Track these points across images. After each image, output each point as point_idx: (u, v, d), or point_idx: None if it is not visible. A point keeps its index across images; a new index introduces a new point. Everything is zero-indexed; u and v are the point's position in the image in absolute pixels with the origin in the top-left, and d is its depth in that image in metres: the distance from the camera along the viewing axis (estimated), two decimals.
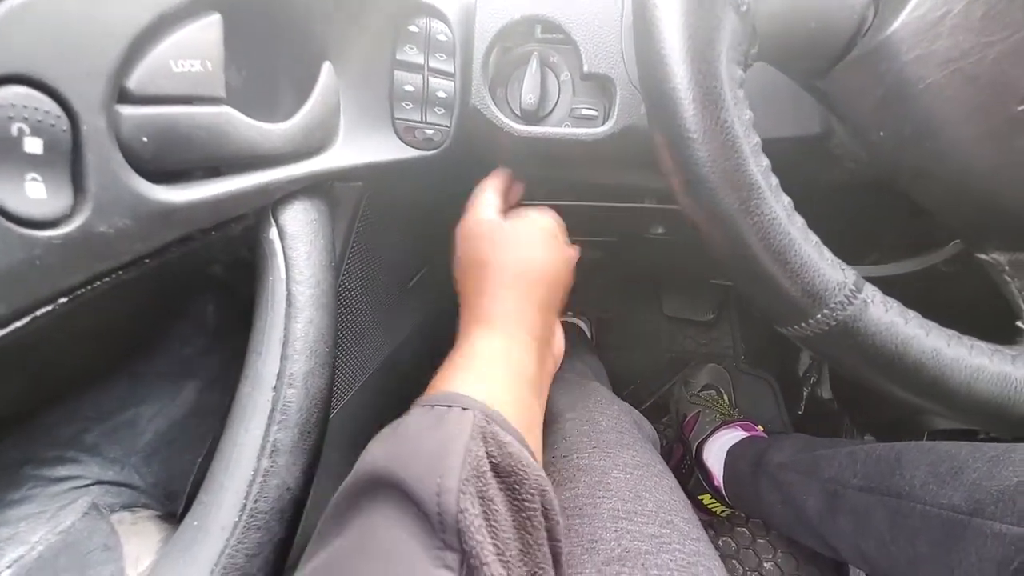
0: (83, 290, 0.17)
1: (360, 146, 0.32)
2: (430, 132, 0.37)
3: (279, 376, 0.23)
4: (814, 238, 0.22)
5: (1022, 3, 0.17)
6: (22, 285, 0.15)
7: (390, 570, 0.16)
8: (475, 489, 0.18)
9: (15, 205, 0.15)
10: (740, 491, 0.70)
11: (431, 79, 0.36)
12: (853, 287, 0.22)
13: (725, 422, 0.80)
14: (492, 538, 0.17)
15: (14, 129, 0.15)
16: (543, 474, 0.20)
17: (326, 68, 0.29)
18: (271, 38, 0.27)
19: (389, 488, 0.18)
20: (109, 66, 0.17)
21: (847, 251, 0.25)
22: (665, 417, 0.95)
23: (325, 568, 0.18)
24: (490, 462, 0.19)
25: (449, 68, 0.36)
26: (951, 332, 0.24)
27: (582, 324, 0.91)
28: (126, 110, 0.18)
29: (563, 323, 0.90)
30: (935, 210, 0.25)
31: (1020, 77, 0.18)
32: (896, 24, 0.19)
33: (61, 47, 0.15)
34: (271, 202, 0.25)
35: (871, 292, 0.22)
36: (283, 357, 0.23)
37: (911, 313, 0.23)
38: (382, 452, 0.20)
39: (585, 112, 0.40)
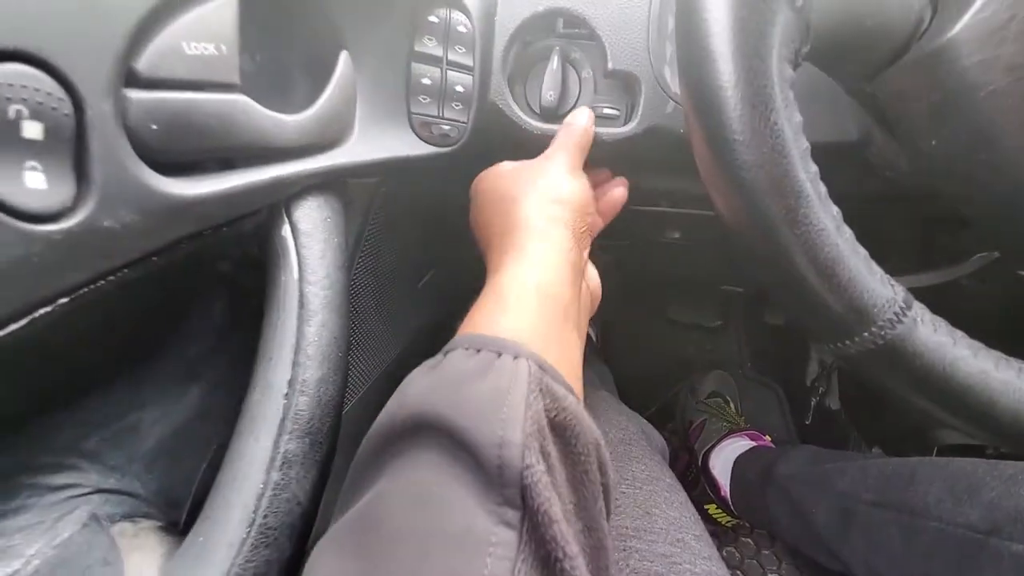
0: (85, 289, 0.16)
1: (375, 141, 0.31)
2: (447, 128, 0.36)
3: (290, 383, 0.21)
4: (863, 252, 0.20)
5: None
6: (20, 284, 0.14)
7: (442, 523, 0.15)
8: (537, 444, 0.16)
9: (12, 196, 0.13)
10: (747, 502, 0.69)
11: (449, 72, 0.35)
12: (903, 304, 0.21)
13: (732, 431, 0.78)
14: (557, 495, 0.16)
15: (11, 111, 0.13)
16: (596, 428, 0.19)
17: (344, 58, 0.27)
18: (287, 23, 0.26)
19: (437, 432, 0.17)
20: (117, 45, 0.16)
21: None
22: (670, 423, 0.94)
23: (365, 517, 0.16)
24: (547, 417, 0.18)
25: (468, 61, 0.35)
26: (998, 354, 0.22)
27: (588, 328, 0.90)
28: (135, 94, 0.17)
29: None
30: (981, 222, 0.23)
31: None
32: (959, 26, 0.18)
33: (65, 23, 0.14)
34: (284, 198, 0.24)
35: (920, 310, 0.21)
36: (295, 363, 0.22)
37: (959, 333, 0.22)
38: (424, 392, 0.18)
39: (607, 111, 0.38)
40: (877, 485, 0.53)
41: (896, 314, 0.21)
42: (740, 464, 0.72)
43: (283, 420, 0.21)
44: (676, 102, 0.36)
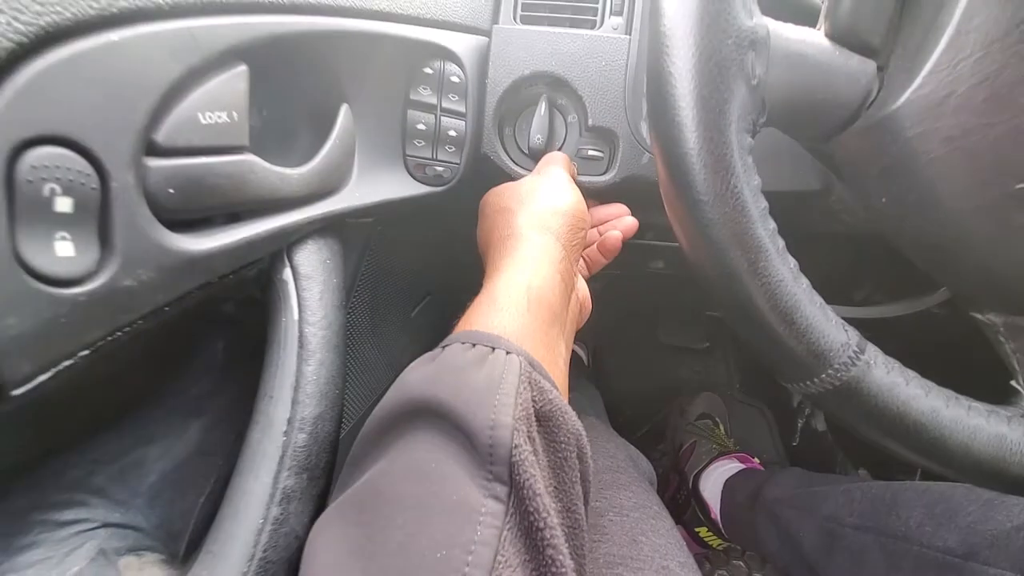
0: (104, 342, 0.18)
1: (373, 184, 0.33)
2: (440, 169, 0.38)
3: (290, 421, 0.23)
4: (819, 299, 0.22)
5: (1008, 99, 0.18)
6: (47, 342, 0.15)
7: (438, 495, 0.16)
8: (525, 428, 0.18)
9: (44, 264, 0.15)
10: (737, 525, 0.70)
11: (443, 118, 0.37)
12: (856, 348, 0.23)
13: (722, 453, 0.80)
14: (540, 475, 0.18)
15: (46, 190, 0.15)
16: (578, 421, 0.21)
17: (344, 111, 0.29)
18: (293, 82, 0.28)
19: (434, 415, 0.18)
20: (139, 121, 0.17)
21: (835, 289, 0.25)
22: (660, 445, 0.95)
23: (367, 490, 0.17)
24: (534, 407, 0.19)
25: (461, 108, 0.37)
26: (949, 393, 0.24)
27: (579, 350, 0.91)
28: (154, 163, 0.18)
29: None
30: (933, 272, 0.25)
31: (1019, 157, 0.19)
32: (901, 100, 0.20)
33: (93, 105, 0.16)
34: (287, 244, 0.26)
35: (873, 353, 0.23)
36: (294, 401, 0.23)
37: (911, 373, 0.24)
38: (424, 380, 0.20)
39: (591, 153, 0.41)
40: (861, 509, 0.53)
41: (851, 357, 0.22)
42: (730, 487, 0.73)
43: (283, 457, 0.22)
44: (651, 154, 0.38)
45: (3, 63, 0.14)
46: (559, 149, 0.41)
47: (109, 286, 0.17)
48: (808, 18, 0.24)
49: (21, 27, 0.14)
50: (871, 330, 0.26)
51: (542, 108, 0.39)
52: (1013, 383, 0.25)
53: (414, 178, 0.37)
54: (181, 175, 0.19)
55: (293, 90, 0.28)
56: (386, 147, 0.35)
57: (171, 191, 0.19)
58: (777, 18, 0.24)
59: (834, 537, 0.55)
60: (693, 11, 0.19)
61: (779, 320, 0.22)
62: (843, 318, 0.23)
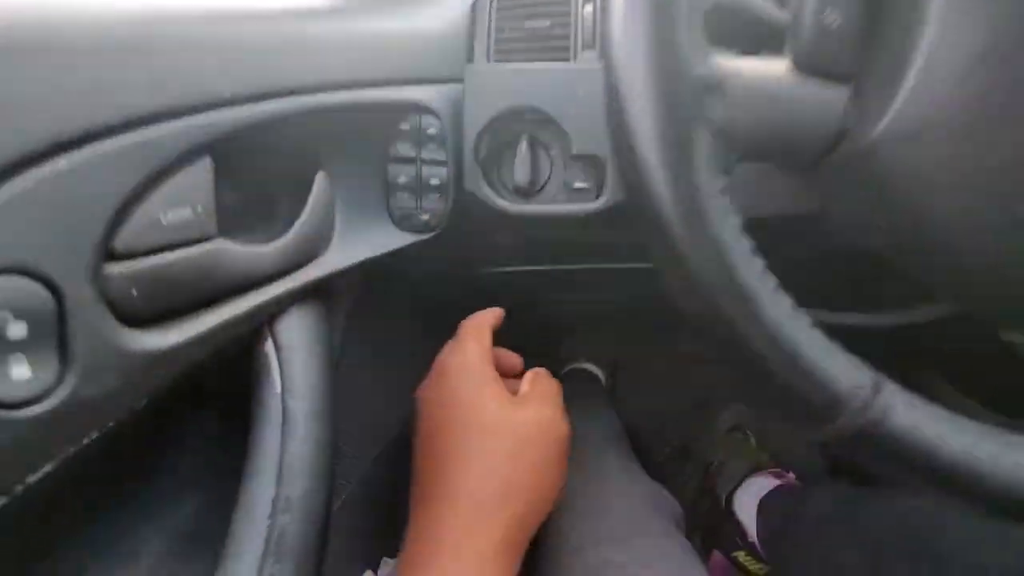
0: (74, 450, 0.17)
1: (356, 243, 0.33)
2: (426, 217, 0.38)
3: (274, 502, 0.22)
4: (820, 339, 0.21)
5: (1001, 121, 0.17)
6: (3, 466, 0.15)
7: None
8: None
9: None
10: (776, 547, 0.66)
11: (424, 168, 0.37)
12: (871, 389, 0.21)
13: (754, 469, 0.76)
14: None
15: None
16: None
17: (319, 178, 0.29)
18: (263, 161, 0.28)
19: None
20: (95, 235, 0.17)
21: (835, 296, 0.23)
22: (688, 466, 0.91)
23: None
24: None
25: (441, 157, 0.37)
26: (981, 427, 0.22)
27: (596, 371, 0.89)
28: (113, 268, 0.18)
29: (576, 370, 0.88)
30: (950, 297, 0.23)
31: (1018, 179, 0.18)
32: (879, 129, 0.19)
33: (44, 230, 0.16)
34: (267, 317, 0.25)
35: (891, 393, 0.21)
36: (279, 480, 0.22)
37: (939, 409, 0.22)
38: None
39: (578, 185, 0.40)
40: (906, 528, 0.50)
41: (864, 401, 0.21)
42: (766, 506, 0.69)
43: (267, 542, 0.21)
44: None
45: None
46: (545, 183, 0.40)
47: (70, 400, 0.16)
48: (780, 39, 0.23)
49: None
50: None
51: (523, 147, 0.38)
52: None
53: (399, 228, 0.37)
54: (144, 275, 0.19)
55: (265, 167, 0.28)
56: (369, 203, 0.35)
57: (134, 292, 0.19)
58: (747, 42, 0.23)
59: (878, 557, 0.51)
60: (642, 64, 0.18)
61: (783, 366, 0.20)
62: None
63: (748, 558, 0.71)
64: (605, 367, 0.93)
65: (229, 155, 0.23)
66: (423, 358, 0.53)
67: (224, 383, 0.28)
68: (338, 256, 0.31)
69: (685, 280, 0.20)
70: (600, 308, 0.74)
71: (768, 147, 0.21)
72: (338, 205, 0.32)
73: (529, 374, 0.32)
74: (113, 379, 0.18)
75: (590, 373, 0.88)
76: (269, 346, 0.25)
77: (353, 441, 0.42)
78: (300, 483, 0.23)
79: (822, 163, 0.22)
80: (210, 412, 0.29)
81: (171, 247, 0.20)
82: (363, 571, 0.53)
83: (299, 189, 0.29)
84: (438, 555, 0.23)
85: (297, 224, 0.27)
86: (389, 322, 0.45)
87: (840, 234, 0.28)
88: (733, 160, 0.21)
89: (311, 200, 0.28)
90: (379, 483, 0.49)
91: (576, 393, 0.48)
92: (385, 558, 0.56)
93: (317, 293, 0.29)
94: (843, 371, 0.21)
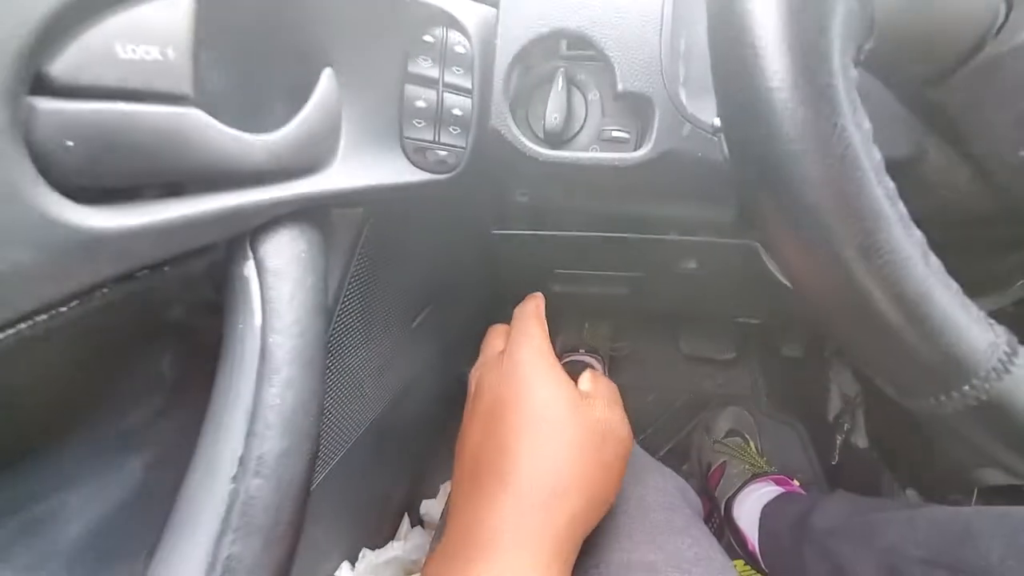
0: None
1: (363, 166, 0.28)
2: (443, 153, 0.33)
3: (242, 461, 0.17)
4: (955, 286, 0.16)
5: None
6: None
7: None
8: None
9: None
10: (780, 558, 0.62)
11: (446, 95, 0.32)
12: (1007, 350, 0.17)
13: (756, 475, 0.72)
14: None
15: None
16: None
17: (327, 75, 0.24)
18: (264, 37, 0.23)
19: None
20: (19, 40, 0.12)
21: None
22: (685, 465, 0.88)
23: None
24: None
25: (467, 84, 0.32)
26: None
27: (595, 363, 0.85)
28: (43, 103, 0.13)
29: (575, 362, 0.84)
30: None
31: None
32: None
33: None
34: (249, 230, 0.20)
35: None
36: (249, 434, 0.17)
37: None
38: None
39: (616, 135, 0.35)
40: (928, 539, 0.47)
41: (1001, 362, 0.17)
42: (769, 514, 0.66)
43: (228, 512, 0.16)
44: (693, 124, 0.33)
45: None
46: (579, 130, 0.36)
47: None
48: None
49: None
50: None
51: (559, 83, 0.34)
52: None
53: (413, 163, 0.32)
54: (86, 123, 0.14)
55: (265, 50, 0.23)
56: (380, 126, 0.30)
57: (69, 143, 0.14)
58: None
59: (898, 572, 0.48)
60: None
61: (904, 315, 0.16)
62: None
63: (747, 568, 0.67)
64: (604, 363, 0.89)
65: (223, 15, 0.18)
66: (424, 341, 0.48)
67: (187, 314, 0.23)
68: (340, 175, 0.25)
69: (794, 197, 0.16)
70: (601, 299, 0.71)
71: (910, 34, 0.17)
72: (346, 121, 0.27)
73: (588, 373, 0.29)
74: (26, 252, 0.13)
75: (588, 365, 0.84)
76: (250, 268, 0.20)
77: (334, 415, 0.37)
78: (275, 439, 0.18)
79: (958, 72, 0.18)
80: (166, 349, 0.23)
81: (127, 95, 0.15)
82: (339, 563, 0.47)
83: (301, 86, 0.24)
84: (494, 545, 0.21)
85: (296, 119, 0.22)
86: (388, 296, 0.40)
87: (936, 184, 0.24)
88: (866, 48, 0.17)
89: (315, 96, 0.23)
90: (362, 465, 0.43)
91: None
92: (365, 549, 0.51)
93: (314, 217, 0.24)
94: (978, 327, 0.17)
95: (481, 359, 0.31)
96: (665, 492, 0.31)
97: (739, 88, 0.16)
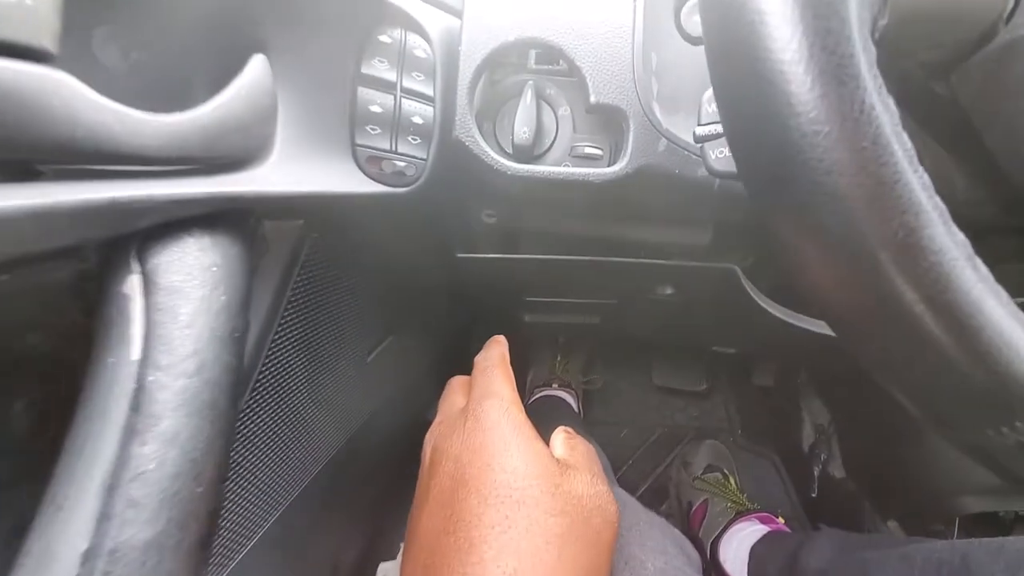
0: None
1: (303, 171, 0.24)
2: (401, 164, 0.29)
3: (87, 557, 0.12)
4: (1006, 296, 0.14)
5: None
6: None
7: None
8: None
9: None
10: None
11: (405, 101, 0.29)
12: None
13: (739, 512, 0.69)
14: None
15: None
16: None
17: (258, 59, 0.21)
18: (184, 16, 0.19)
19: None
20: None
21: None
22: (664, 504, 0.83)
23: None
24: None
25: (428, 91, 0.29)
26: None
27: (568, 397, 0.81)
28: None
29: (547, 397, 0.80)
30: None
31: None
32: None
33: None
34: (133, 233, 0.16)
35: None
36: (102, 516, 0.12)
37: None
38: None
39: (588, 151, 0.33)
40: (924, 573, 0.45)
41: None
42: (757, 555, 0.62)
43: None
44: (669, 139, 0.31)
45: None
46: (550, 146, 0.33)
47: None
48: None
49: None
50: None
51: (528, 96, 0.32)
52: None
53: (365, 173, 0.29)
54: None
55: (184, 29, 0.20)
56: (326, 129, 0.27)
57: None
58: None
59: None
60: None
61: (953, 330, 0.13)
62: None
63: None
64: (577, 397, 0.85)
65: None
66: (380, 378, 0.42)
67: (48, 344, 0.17)
68: (272, 178, 0.21)
69: (817, 190, 0.13)
70: (574, 328, 0.67)
71: (924, 15, 0.15)
72: (285, 116, 0.23)
73: (562, 436, 0.24)
74: None
75: (562, 401, 0.79)
76: (132, 284, 0.15)
77: (269, 466, 0.31)
78: (141, 525, 0.12)
79: (971, 59, 0.16)
80: (15, 398, 0.18)
81: None
82: None
83: (230, 68, 0.20)
84: None
85: (211, 103, 0.18)
86: (337, 307, 0.35)
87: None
88: (880, 25, 0.15)
89: (240, 80, 0.19)
90: (305, 524, 0.37)
91: (550, 420, 0.40)
92: None
93: (235, 224, 0.20)
94: None
95: (438, 418, 0.25)
96: (666, 553, 0.26)
97: (743, 67, 0.14)
